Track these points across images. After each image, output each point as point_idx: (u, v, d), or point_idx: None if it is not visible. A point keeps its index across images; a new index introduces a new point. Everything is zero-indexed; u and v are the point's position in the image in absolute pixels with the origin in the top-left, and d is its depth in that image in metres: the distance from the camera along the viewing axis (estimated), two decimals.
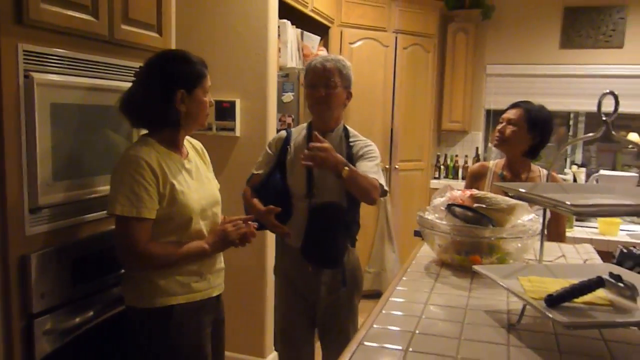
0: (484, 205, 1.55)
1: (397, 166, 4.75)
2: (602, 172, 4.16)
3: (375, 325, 1.19)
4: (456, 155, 5.45)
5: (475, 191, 1.67)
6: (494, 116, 5.38)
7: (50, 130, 1.61)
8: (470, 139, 5.48)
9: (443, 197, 1.66)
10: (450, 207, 1.59)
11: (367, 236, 4.58)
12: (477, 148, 5.41)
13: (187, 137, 1.91)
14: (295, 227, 2.24)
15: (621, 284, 1.11)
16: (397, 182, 4.79)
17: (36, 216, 1.60)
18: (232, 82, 3.14)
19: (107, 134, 1.94)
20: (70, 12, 1.65)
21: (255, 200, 2.23)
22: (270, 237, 3.11)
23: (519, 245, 1.51)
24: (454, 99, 5.26)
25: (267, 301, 3.20)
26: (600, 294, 1.11)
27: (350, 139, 2.29)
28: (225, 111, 3.16)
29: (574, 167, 4.93)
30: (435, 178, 5.34)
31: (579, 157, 5.33)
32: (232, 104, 3.16)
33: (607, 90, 1.37)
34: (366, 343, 1.09)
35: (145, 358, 1.75)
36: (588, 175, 4.64)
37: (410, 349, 1.06)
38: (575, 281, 1.11)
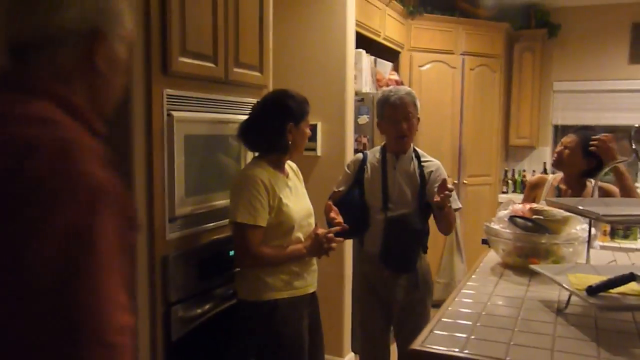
0: (541, 217, 1.83)
1: (465, 181, 4.98)
2: None
3: (450, 308, 1.51)
4: (524, 170, 5.61)
5: (534, 205, 1.95)
6: (562, 131, 5.50)
7: (183, 156, 2.02)
8: (538, 154, 5.62)
9: (506, 210, 1.96)
10: (512, 219, 1.88)
11: (437, 248, 4.82)
12: (544, 163, 5.55)
13: None
14: (373, 237, 2.59)
15: None
16: (466, 197, 5.01)
17: (173, 224, 2.01)
18: (314, 107, 3.44)
19: (222, 158, 2.33)
20: (198, 62, 2.07)
21: (334, 210, 2.46)
22: (348, 246, 3.45)
23: (571, 250, 1.78)
24: (521, 116, 5.43)
25: (345, 305, 3.53)
26: (633, 286, 1.37)
27: (422, 160, 2.60)
28: None
29: None
30: (503, 192, 5.52)
31: None
32: (314, 126, 3.52)
33: None
34: (444, 319, 1.41)
35: (254, 343, 2.13)
36: None
37: (478, 324, 1.38)
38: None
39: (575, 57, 5.42)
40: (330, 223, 2.49)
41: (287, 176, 2.23)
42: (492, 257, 2.14)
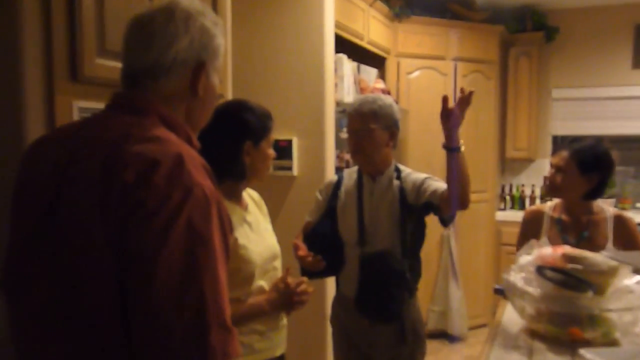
0: (580, 267, 1.37)
1: None
2: None
3: None
4: (522, 185, 5.18)
5: (568, 248, 1.49)
6: (562, 142, 5.09)
7: None
8: (537, 167, 5.19)
9: (530, 255, 1.49)
10: (541, 270, 1.41)
11: (430, 273, 4.37)
12: (544, 177, 5.10)
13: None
14: (348, 276, 2.16)
15: None
16: (461, 216, 4.55)
17: None
18: (288, 121, 3.06)
19: None
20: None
21: (302, 245, 2.07)
22: (331, 285, 2.97)
23: (630, 318, 1.30)
24: (518, 126, 5.02)
25: (327, 353, 3.04)
26: None
27: (403, 181, 2.15)
28: (282, 150, 3.08)
29: None
30: (500, 209, 5.08)
31: None
32: (289, 142, 3.08)
33: None
34: None
35: None
36: None
37: None
38: None
39: (575, 62, 5.03)
40: (302, 261, 2.03)
41: (246, 208, 1.76)
42: (513, 316, 1.65)
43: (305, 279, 1.78)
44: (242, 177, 1.70)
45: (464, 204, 1.94)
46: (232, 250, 1.58)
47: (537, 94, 5.02)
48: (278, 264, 1.81)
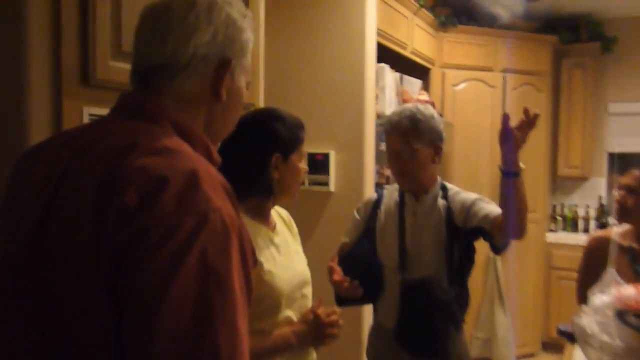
0: None
1: None
2: None
3: None
4: (575, 205, 4.84)
5: None
6: (618, 160, 4.76)
7: None
8: (591, 186, 4.85)
9: (606, 295, 1.25)
10: (622, 316, 1.18)
11: (475, 298, 4.07)
12: (599, 196, 4.77)
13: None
14: (388, 306, 1.96)
15: None
16: None
17: None
18: (325, 133, 2.89)
19: None
20: None
21: (337, 269, 1.86)
22: (368, 314, 2.76)
23: None
24: (571, 142, 4.70)
25: None
26: None
27: (450, 200, 1.94)
28: (318, 164, 2.91)
29: None
30: (551, 231, 4.75)
31: None
32: (326, 156, 2.90)
33: None
34: None
35: None
36: None
37: None
38: None
39: (635, 75, 4.69)
40: (337, 287, 1.84)
41: (273, 229, 1.58)
42: None
43: (337, 309, 1.59)
44: (269, 194, 1.52)
45: (520, 232, 1.73)
46: (256, 276, 1.41)
47: (592, 108, 4.70)
48: (308, 291, 1.63)
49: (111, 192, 0.73)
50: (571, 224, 4.78)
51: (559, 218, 4.83)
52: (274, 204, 1.58)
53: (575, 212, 4.80)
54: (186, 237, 0.71)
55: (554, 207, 4.89)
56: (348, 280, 1.78)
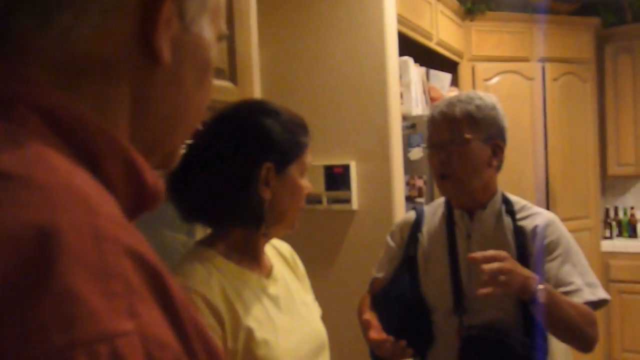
0: None
1: None
2: None
3: None
4: (631, 208, 4.29)
5: None
6: None
7: None
8: None
9: None
10: None
11: None
12: None
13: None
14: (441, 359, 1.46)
15: None
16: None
17: None
18: (343, 141, 2.43)
19: (164, 233, 1.30)
20: None
21: (374, 323, 1.39)
22: None
23: None
24: (622, 137, 4.16)
25: None
26: None
27: (517, 217, 1.47)
28: (337, 178, 2.45)
29: None
30: (606, 238, 4.20)
31: None
32: (346, 168, 2.44)
33: None
34: None
35: None
36: None
37: None
38: None
39: None
40: (376, 347, 1.37)
41: (268, 275, 1.11)
42: None
43: None
44: (258, 222, 1.04)
45: (582, 349, 1.34)
46: (242, 347, 0.95)
47: None
48: (325, 356, 1.15)
49: None
50: (628, 228, 4.21)
51: (613, 223, 4.27)
52: (266, 237, 1.10)
53: (633, 215, 4.24)
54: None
55: (607, 210, 4.34)
56: (391, 340, 1.30)
